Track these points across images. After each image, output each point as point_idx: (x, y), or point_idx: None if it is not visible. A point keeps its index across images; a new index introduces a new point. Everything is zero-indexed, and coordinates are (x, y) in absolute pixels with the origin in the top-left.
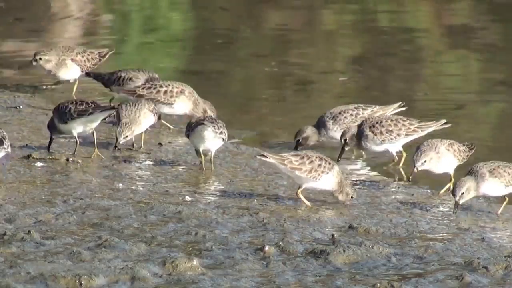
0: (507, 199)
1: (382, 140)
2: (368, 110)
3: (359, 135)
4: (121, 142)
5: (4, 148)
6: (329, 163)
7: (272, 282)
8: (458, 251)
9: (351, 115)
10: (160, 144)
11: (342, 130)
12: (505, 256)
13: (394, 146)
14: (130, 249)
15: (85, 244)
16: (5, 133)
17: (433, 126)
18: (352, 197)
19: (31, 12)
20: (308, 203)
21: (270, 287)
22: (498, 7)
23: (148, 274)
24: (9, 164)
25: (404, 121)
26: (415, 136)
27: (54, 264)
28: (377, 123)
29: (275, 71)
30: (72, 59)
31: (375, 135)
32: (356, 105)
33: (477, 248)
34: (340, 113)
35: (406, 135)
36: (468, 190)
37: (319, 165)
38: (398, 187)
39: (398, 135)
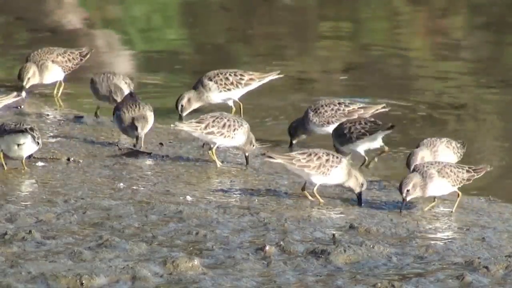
0: (460, 195)
1: (323, 123)
2: (350, 107)
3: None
4: (143, 137)
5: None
6: (337, 157)
7: (273, 282)
8: (458, 251)
9: (332, 109)
10: (161, 144)
11: (321, 123)
12: (505, 256)
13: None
14: (131, 249)
15: (86, 244)
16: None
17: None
18: (362, 184)
19: (31, 11)
20: (321, 199)
21: (271, 287)
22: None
23: (149, 273)
24: (11, 164)
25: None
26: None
27: (55, 263)
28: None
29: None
30: (52, 61)
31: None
32: (341, 100)
33: (478, 247)
34: (322, 106)
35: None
36: (414, 187)
37: (327, 160)
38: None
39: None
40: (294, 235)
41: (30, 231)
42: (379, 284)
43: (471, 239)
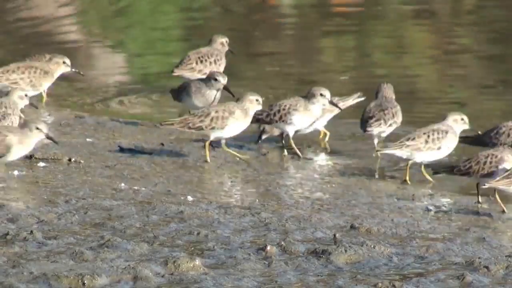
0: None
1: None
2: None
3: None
4: None
5: None
6: (226, 111)
7: (274, 282)
8: (459, 251)
9: None
10: (162, 144)
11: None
12: (506, 256)
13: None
14: (132, 249)
15: (88, 244)
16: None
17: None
18: (257, 100)
19: (31, 11)
20: (208, 158)
21: (272, 287)
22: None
23: (150, 273)
24: (12, 164)
25: None
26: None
27: (56, 264)
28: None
29: (277, 70)
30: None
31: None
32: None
33: (478, 247)
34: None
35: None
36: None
37: (217, 116)
38: (399, 187)
39: None
40: (295, 235)
41: (31, 231)
42: (380, 284)
43: (471, 239)
